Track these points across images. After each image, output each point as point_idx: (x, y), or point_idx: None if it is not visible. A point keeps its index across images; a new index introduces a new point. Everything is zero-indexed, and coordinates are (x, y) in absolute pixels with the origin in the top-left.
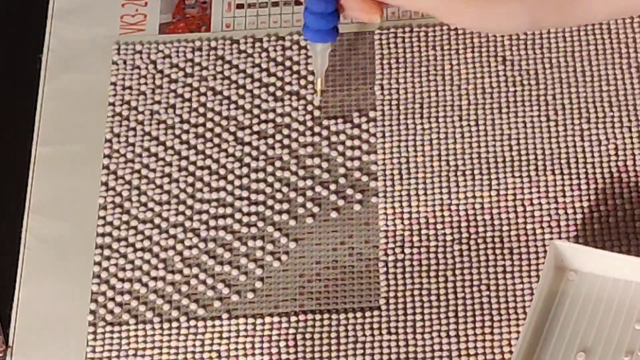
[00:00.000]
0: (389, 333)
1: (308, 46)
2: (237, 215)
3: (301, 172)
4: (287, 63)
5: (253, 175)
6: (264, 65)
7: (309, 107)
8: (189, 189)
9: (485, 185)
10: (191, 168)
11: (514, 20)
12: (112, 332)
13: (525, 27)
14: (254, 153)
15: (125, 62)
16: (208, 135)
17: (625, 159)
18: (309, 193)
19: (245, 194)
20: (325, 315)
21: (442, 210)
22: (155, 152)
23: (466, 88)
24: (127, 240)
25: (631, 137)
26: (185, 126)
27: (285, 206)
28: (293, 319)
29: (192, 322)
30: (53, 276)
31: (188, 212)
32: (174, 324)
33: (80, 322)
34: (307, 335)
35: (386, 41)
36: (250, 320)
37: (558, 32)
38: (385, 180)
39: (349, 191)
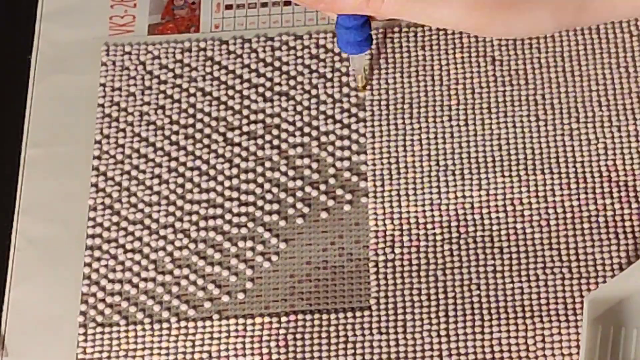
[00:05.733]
0: (380, 333)
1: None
2: (227, 216)
3: (291, 173)
4: (277, 64)
5: (243, 176)
6: (253, 66)
7: (299, 108)
8: (179, 190)
9: (474, 184)
10: (181, 169)
11: (539, 25)
12: (102, 333)
13: (550, 29)
14: (244, 154)
15: (114, 64)
16: (198, 136)
17: (614, 158)
18: (299, 193)
19: (235, 194)
20: (316, 316)
21: (432, 210)
22: (145, 154)
23: (455, 88)
24: (117, 241)
25: (620, 137)
26: (175, 127)
27: (275, 207)
28: (284, 319)
29: (183, 323)
30: (43, 278)
31: (178, 213)
32: (165, 325)
33: (70, 324)
34: (298, 336)
35: (375, 41)
36: (241, 320)
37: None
38: (375, 180)
39: (339, 191)
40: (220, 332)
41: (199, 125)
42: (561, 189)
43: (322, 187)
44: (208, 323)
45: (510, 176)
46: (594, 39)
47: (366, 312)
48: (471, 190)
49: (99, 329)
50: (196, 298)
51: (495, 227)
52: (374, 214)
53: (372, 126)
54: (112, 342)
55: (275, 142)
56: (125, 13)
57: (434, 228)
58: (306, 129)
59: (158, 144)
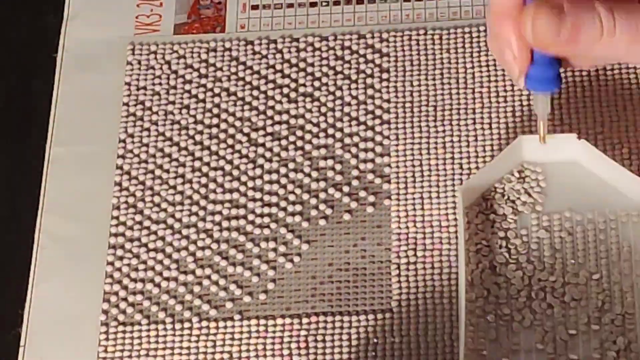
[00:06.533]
0: (401, 335)
1: (531, 96)
2: (250, 217)
3: (314, 174)
4: (302, 64)
5: (266, 177)
6: (278, 67)
7: (323, 109)
8: (202, 190)
9: None
10: (204, 169)
11: None
12: (124, 332)
13: None
14: (268, 154)
15: (139, 63)
16: (222, 136)
17: None
18: (322, 195)
19: (258, 195)
20: (337, 318)
21: (454, 213)
22: (169, 153)
23: (480, 91)
24: (140, 240)
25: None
26: (199, 127)
27: (298, 208)
28: (305, 320)
29: (204, 323)
30: (66, 276)
31: (201, 213)
32: (186, 325)
33: (92, 322)
34: (319, 337)
35: (400, 43)
36: (262, 321)
37: None
38: (398, 182)
39: (362, 193)
40: (241, 332)
41: (223, 126)
42: None
43: (345, 188)
44: (229, 323)
45: None
46: None
47: (387, 315)
48: None
49: (120, 328)
50: (218, 298)
51: None
52: (397, 216)
53: (396, 128)
54: (134, 341)
55: (299, 143)
56: (151, 12)
57: (456, 231)
58: (330, 131)
59: (182, 144)
